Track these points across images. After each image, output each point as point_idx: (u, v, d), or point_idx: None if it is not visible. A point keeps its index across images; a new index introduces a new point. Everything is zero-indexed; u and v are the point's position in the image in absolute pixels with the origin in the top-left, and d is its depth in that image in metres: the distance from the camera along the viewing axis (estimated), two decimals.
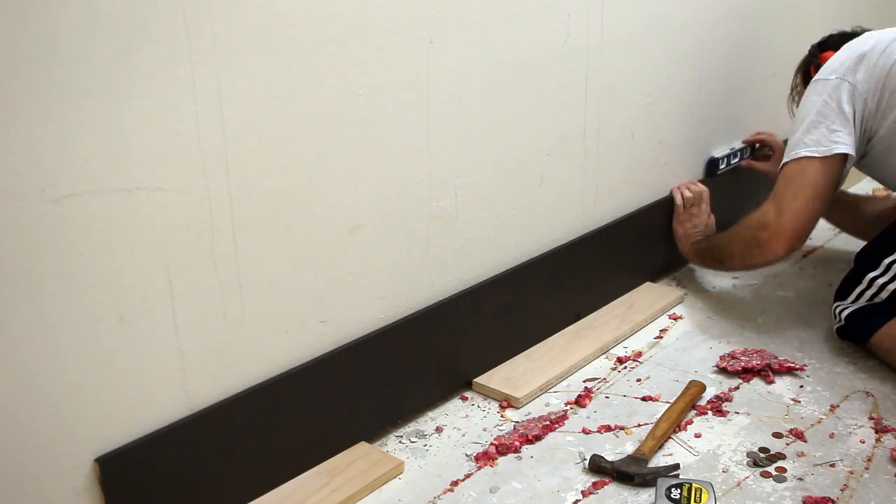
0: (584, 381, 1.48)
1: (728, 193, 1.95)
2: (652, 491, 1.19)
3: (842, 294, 1.57)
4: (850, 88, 1.50)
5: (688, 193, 1.82)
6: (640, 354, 1.57)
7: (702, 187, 1.85)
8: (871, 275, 1.52)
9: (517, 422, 1.37)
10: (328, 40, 1.10)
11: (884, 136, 1.52)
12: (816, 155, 1.51)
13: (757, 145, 2.03)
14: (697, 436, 1.33)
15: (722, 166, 1.97)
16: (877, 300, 1.51)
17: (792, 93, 1.84)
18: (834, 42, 1.68)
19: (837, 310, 1.55)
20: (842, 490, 1.20)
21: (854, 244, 1.77)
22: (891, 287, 1.49)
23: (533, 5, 1.37)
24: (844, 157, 1.52)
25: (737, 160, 2.01)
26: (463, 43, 1.28)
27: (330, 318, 1.21)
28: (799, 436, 1.32)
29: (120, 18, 0.90)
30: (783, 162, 1.56)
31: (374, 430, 1.32)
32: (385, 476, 1.23)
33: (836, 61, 1.55)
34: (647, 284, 1.81)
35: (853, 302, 1.54)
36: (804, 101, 1.57)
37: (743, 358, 1.51)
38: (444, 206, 1.34)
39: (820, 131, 1.51)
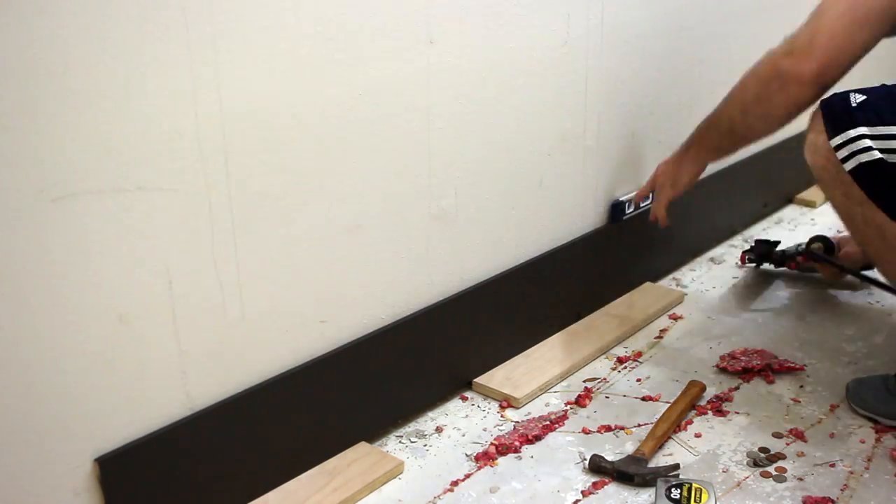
0: (584, 381, 1.48)
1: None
2: (652, 491, 1.19)
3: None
4: None
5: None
6: (640, 354, 1.57)
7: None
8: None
9: (517, 422, 1.37)
10: (328, 40, 1.10)
11: None
12: None
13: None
14: (697, 436, 1.33)
15: (629, 211, 1.70)
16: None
17: None
18: None
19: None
20: (842, 490, 1.20)
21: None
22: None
23: (533, 5, 1.37)
24: None
25: (647, 203, 1.68)
26: (463, 43, 1.28)
27: (330, 318, 1.21)
28: (799, 436, 1.32)
29: (120, 18, 0.90)
30: None
31: (374, 430, 1.32)
32: (385, 476, 1.23)
33: None
34: (647, 284, 1.81)
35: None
36: None
37: (743, 358, 1.51)
38: (444, 206, 1.34)
39: None
